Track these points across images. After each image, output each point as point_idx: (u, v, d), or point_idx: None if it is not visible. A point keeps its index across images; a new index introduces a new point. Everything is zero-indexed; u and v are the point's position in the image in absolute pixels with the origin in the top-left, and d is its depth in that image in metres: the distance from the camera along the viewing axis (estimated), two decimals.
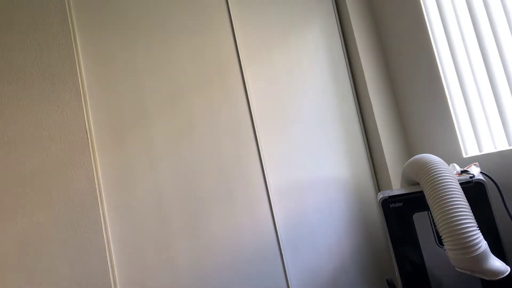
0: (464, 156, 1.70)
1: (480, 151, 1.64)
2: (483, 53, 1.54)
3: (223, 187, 1.67)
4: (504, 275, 1.12)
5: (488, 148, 1.61)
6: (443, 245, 1.21)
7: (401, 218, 1.43)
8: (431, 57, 1.78)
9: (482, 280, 1.30)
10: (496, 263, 1.13)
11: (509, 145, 1.51)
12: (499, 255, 1.25)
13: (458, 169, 1.45)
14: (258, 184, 1.72)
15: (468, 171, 1.42)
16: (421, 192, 1.33)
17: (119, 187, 1.54)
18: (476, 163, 1.50)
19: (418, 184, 1.43)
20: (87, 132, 1.51)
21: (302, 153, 1.85)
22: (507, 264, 1.19)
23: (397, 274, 1.44)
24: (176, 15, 1.74)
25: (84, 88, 1.56)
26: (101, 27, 1.63)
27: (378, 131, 1.95)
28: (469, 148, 1.69)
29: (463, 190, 1.22)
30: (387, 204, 1.44)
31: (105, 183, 1.52)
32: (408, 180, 1.52)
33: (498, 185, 1.44)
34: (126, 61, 1.64)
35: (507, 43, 1.45)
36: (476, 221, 1.16)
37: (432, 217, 1.29)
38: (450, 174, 1.24)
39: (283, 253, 1.70)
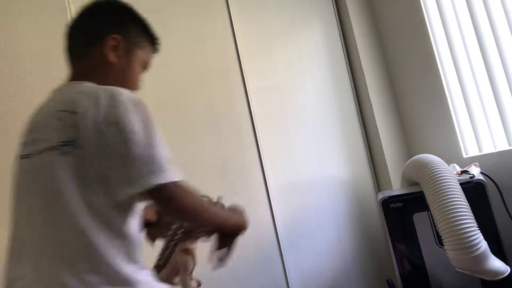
0: (464, 156, 1.70)
1: (480, 151, 1.64)
2: (483, 53, 1.54)
3: (223, 187, 1.67)
4: (504, 275, 1.12)
5: (488, 148, 1.61)
6: (443, 245, 1.21)
7: (401, 218, 1.43)
8: (431, 57, 1.78)
9: (482, 280, 1.30)
10: (496, 263, 1.13)
11: (509, 145, 1.51)
12: (499, 255, 1.25)
13: (458, 169, 1.45)
14: (258, 184, 1.72)
15: (468, 171, 1.42)
16: (421, 192, 1.34)
17: None
18: (476, 163, 1.50)
19: (418, 184, 1.43)
20: None
21: (302, 153, 1.85)
22: (507, 264, 1.19)
23: (397, 274, 1.44)
24: (175, 15, 1.74)
25: None
26: None
27: (378, 131, 1.95)
28: (469, 148, 1.69)
29: (463, 190, 1.22)
30: (387, 204, 1.44)
31: None
32: (408, 180, 1.53)
33: (498, 185, 1.44)
34: None
35: (507, 43, 1.45)
36: (476, 221, 1.16)
37: (432, 217, 1.29)
38: (450, 174, 1.25)
39: (283, 253, 1.70)
